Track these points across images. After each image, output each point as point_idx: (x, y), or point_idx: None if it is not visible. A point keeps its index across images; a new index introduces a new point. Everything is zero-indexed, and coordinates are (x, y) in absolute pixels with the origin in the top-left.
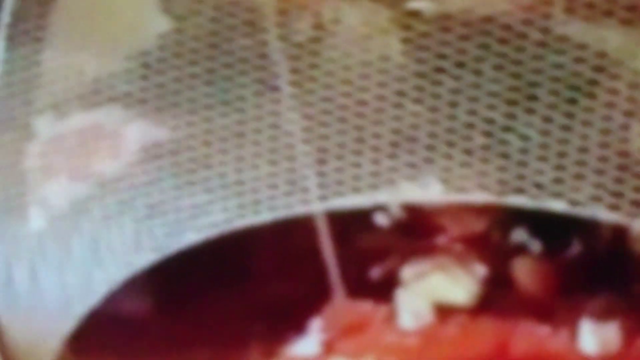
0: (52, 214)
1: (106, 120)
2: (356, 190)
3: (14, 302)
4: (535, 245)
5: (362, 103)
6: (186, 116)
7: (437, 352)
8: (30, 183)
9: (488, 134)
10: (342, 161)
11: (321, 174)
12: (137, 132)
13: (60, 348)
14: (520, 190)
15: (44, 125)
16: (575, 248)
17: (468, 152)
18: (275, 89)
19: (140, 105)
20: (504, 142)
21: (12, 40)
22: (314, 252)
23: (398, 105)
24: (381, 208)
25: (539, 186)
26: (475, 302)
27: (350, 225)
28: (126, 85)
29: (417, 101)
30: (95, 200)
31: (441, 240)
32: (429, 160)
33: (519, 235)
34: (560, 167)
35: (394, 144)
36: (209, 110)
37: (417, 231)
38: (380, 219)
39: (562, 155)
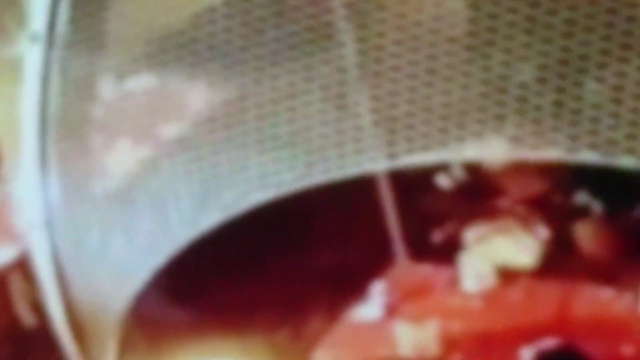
0: (118, 177)
1: (171, 79)
2: (423, 148)
3: (82, 264)
4: (598, 207)
5: (431, 58)
6: (253, 74)
7: (500, 315)
8: (95, 146)
9: (560, 90)
10: (410, 119)
11: (389, 132)
12: (202, 92)
13: (125, 308)
14: (592, 147)
15: (108, 87)
16: (638, 210)
17: (538, 108)
18: (341, 44)
19: (206, 64)
20: (576, 98)
21: None
22: (376, 216)
23: (468, 62)
24: (444, 170)
25: (611, 142)
26: (538, 265)
27: (413, 187)
28: (192, 43)
29: (487, 57)
30: (161, 162)
31: (503, 202)
32: (498, 118)
33: (582, 197)
34: (633, 123)
35: (464, 101)
36: (276, 68)
37: (480, 193)
38: (443, 181)
39: (635, 111)
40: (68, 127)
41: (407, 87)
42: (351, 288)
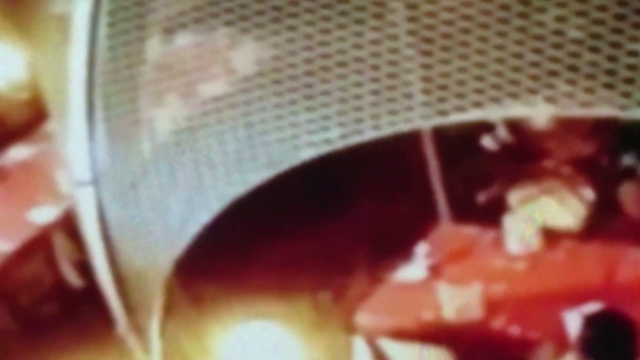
0: (165, 133)
1: (220, 34)
2: (475, 105)
3: (129, 222)
4: None
5: (485, 12)
6: (303, 28)
7: (544, 277)
8: (142, 103)
9: (615, 45)
10: (462, 74)
11: (440, 88)
12: (251, 47)
13: (171, 267)
14: None
15: (156, 43)
16: None
17: (592, 64)
18: (381, 3)
19: (256, 17)
20: (632, 53)
21: None
22: (421, 176)
23: (522, 16)
24: (489, 131)
25: None
26: (582, 227)
27: (458, 148)
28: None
29: (542, 11)
30: (209, 118)
31: (549, 163)
32: (551, 74)
33: (628, 159)
34: None
35: (518, 56)
36: (327, 22)
37: (525, 154)
38: (488, 142)
39: None
40: (115, 84)
41: (459, 42)
42: (395, 249)
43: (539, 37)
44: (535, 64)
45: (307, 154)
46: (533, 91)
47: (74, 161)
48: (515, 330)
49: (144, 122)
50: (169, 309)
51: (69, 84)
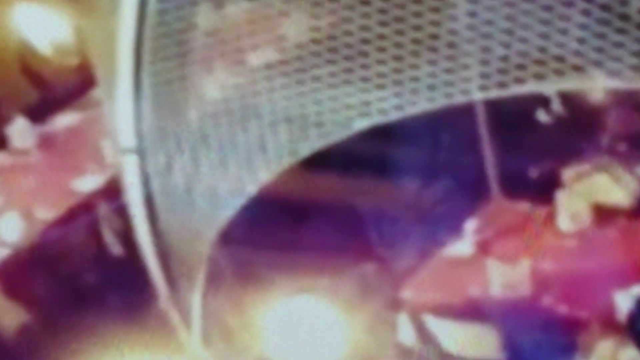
0: (213, 102)
1: (270, 2)
2: (528, 79)
3: (173, 192)
4: None
5: None
6: None
7: (595, 255)
8: (190, 71)
9: None
10: (525, 45)
11: (501, 60)
12: (304, 15)
13: (215, 238)
14: None
15: (205, 10)
16: None
17: None
18: None
19: None
20: None
21: None
22: (473, 150)
23: None
24: (543, 104)
25: None
26: (636, 205)
27: (511, 122)
28: None
29: None
30: (259, 86)
31: (603, 139)
32: (598, 50)
33: None
34: None
35: (563, 32)
36: None
37: (579, 129)
38: (542, 116)
39: None
40: (164, 50)
41: (521, 11)
42: (444, 223)
43: (605, 7)
44: (600, 36)
45: (360, 124)
46: (598, 63)
47: (120, 128)
48: (563, 309)
49: (192, 89)
50: (212, 283)
51: (117, 50)
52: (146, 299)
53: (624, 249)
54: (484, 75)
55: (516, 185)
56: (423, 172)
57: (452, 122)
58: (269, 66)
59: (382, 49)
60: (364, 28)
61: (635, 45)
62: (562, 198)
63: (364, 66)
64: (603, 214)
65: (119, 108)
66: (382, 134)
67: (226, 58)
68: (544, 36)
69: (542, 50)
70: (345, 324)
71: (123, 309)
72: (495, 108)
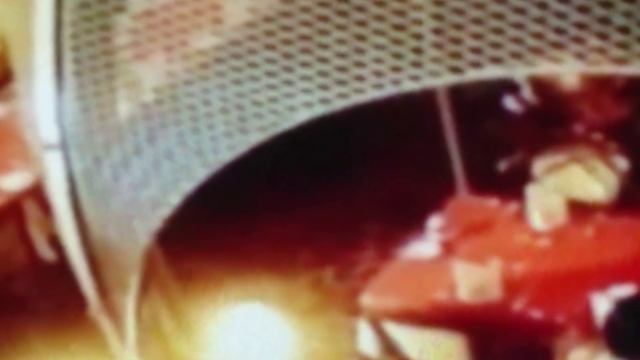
0: (144, 92)
1: None
2: (493, 61)
3: (102, 191)
4: None
5: None
6: None
7: (570, 255)
8: (119, 59)
9: None
10: (478, 27)
11: (453, 42)
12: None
13: (151, 240)
14: None
15: None
16: None
17: (627, 15)
18: None
19: None
20: None
21: None
22: (435, 141)
23: None
24: (512, 91)
25: None
26: (614, 200)
27: (477, 110)
28: None
29: None
30: (194, 74)
31: (578, 128)
32: (580, 26)
33: None
34: None
35: (541, 6)
36: None
37: (552, 118)
38: (511, 104)
39: None
40: (87, 34)
41: None
42: (405, 222)
43: None
44: (561, 15)
45: (303, 115)
46: (559, 46)
47: (41, 121)
48: (537, 313)
49: (120, 78)
50: (148, 288)
51: (35, 35)
52: (81, 308)
53: (602, 248)
54: (436, 60)
55: (483, 180)
56: (382, 165)
57: (410, 111)
58: (203, 52)
59: (324, 32)
60: (305, 9)
61: (600, 26)
62: (534, 193)
63: (305, 51)
64: (579, 210)
65: (39, 99)
66: (334, 127)
67: (157, 43)
68: (499, 16)
69: (498, 31)
70: (299, 332)
71: (54, 320)
72: (459, 95)
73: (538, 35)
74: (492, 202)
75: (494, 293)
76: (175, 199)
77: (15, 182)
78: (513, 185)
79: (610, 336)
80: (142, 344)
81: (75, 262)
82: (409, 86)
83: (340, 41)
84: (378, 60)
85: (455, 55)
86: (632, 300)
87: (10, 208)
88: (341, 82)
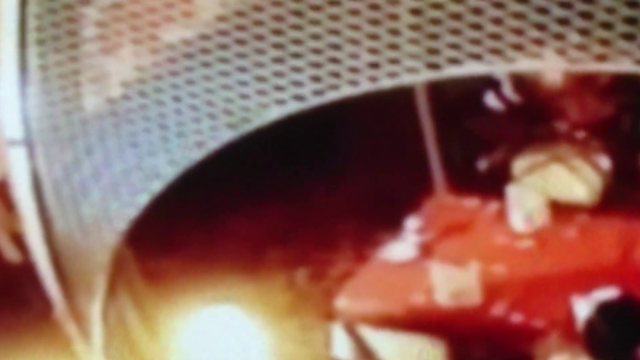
0: (112, 87)
1: None
2: (472, 57)
3: (68, 189)
4: None
5: None
6: None
7: (552, 258)
8: (86, 53)
9: None
10: (457, 22)
11: (431, 37)
12: None
13: (118, 240)
14: None
15: None
16: None
17: (609, 11)
18: None
19: None
20: None
21: None
22: (413, 139)
23: None
24: (493, 88)
25: None
26: (597, 201)
27: (457, 108)
28: None
29: None
30: (163, 70)
31: (561, 126)
32: (561, 22)
33: None
34: None
35: (499, 6)
36: None
37: (533, 116)
38: (491, 101)
39: None
40: (53, 27)
41: None
42: (382, 222)
43: None
44: (541, 10)
45: (275, 112)
46: (539, 42)
47: (4, 117)
48: (517, 318)
49: (86, 72)
50: (115, 289)
51: None
52: (46, 309)
53: (584, 250)
54: (413, 56)
55: (462, 179)
56: (359, 163)
57: (387, 108)
58: (171, 46)
59: (297, 27)
60: (277, 3)
61: (582, 22)
62: (514, 193)
63: (278, 46)
64: (561, 211)
65: (3, 94)
66: (308, 124)
67: (125, 36)
68: (478, 11)
69: (477, 26)
70: (272, 335)
71: (19, 322)
72: (438, 92)
73: (518, 31)
74: (472, 203)
75: (473, 296)
76: (143, 199)
77: None
78: (493, 185)
79: (590, 341)
80: (108, 347)
81: (39, 262)
82: (385, 83)
83: (314, 36)
84: (354, 56)
85: (433, 52)
86: (613, 304)
87: None
88: (315, 79)
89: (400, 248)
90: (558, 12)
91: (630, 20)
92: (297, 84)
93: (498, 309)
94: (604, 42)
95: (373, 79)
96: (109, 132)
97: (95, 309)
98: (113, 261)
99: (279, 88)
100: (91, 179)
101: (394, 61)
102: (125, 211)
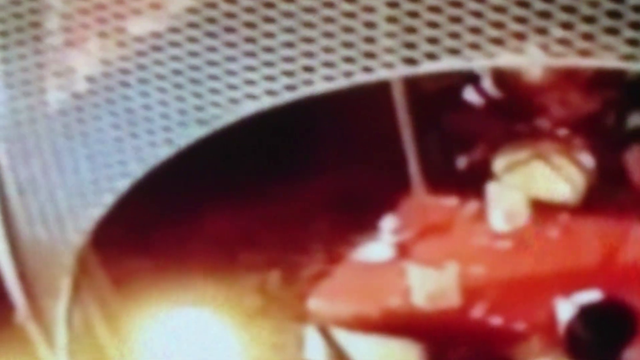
0: (77, 82)
1: None
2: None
3: (31, 188)
4: None
5: None
6: None
7: (533, 259)
8: (49, 45)
9: None
10: (434, 15)
11: (408, 31)
12: None
13: (84, 241)
14: None
15: None
16: None
17: (593, 4)
18: None
19: None
20: None
21: None
22: (390, 136)
23: None
24: (473, 83)
25: None
26: (580, 200)
27: (435, 103)
28: None
29: None
30: (130, 63)
31: (543, 123)
32: (543, 16)
33: (636, 119)
34: None
35: (457, 4)
36: None
37: (514, 112)
38: (471, 97)
39: None
40: (15, 19)
41: None
42: (357, 221)
43: None
44: (523, 4)
45: (247, 108)
46: (521, 36)
47: None
48: (497, 321)
49: (50, 66)
50: (80, 292)
51: None
52: (5, 313)
53: (567, 251)
54: (390, 50)
55: (441, 177)
56: (334, 160)
57: (363, 103)
58: (139, 39)
59: (270, 20)
60: None
61: (564, 16)
62: (495, 192)
63: (249, 39)
64: (542, 210)
65: None
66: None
67: (91, 29)
68: (457, 4)
69: (456, 20)
70: (243, 339)
71: None
72: (415, 87)
73: (498, 25)
74: (450, 202)
75: (452, 299)
76: (109, 197)
77: None
78: (472, 184)
79: (572, 344)
80: (73, 351)
81: (1, 263)
82: (361, 78)
83: (287, 29)
84: (328, 50)
85: (410, 46)
86: (596, 307)
87: None
88: (288, 73)
89: (376, 248)
90: (540, 5)
91: (614, 14)
92: (270, 78)
93: (477, 312)
94: (588, 37)
95: (348, 74)
96: (74, 129)
97: (59, 312)
98: (78, 262)
99: (250, 83)
100: (56, 177)
101: (369, 55)
102: (91, 210)
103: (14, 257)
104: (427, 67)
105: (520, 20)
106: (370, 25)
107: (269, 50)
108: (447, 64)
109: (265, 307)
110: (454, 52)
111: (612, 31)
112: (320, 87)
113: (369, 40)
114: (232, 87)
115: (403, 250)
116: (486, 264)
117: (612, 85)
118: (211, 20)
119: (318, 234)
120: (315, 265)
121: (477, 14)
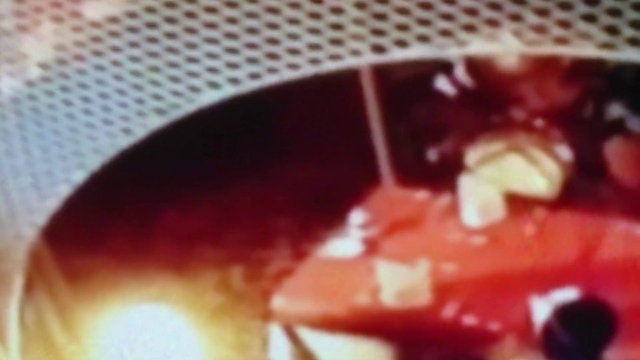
0: (30, 68)
1: None
2: (420, 39)
3: None
4: (635, 124)
5: None
6: None
7: (508, 255)
8: (2, 35)
9: None
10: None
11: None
12: None
13: (37, 236)
14: (635, 42)
15: None
16: None
17: None
18: None
19: None
20: None
21: None
22: (358, 126)
23: None
24: (444, 71)
25: None
26: (557, 194)
27: (405, 93)
28: None
29: None
30: (87, 49)
31: (518, 113)
32: (517, 1)
33: (616, 110)
34: None
35: None
36: None
37: (488, 102)
38: (443, 86)
39: None
40: None
41: None
42: (323, 216)
43: None
44: None
45: (208, 97)
46: (494, 23)
47: None
48: (470, 320)
49: (1, 51)
50: (33, 289)
51: None
52: None
53: (543, 247)
54: (358, 37)
55: (411, 169)
56: (299, 152)
57: (329, 92)
58: (95, 24)
59: (233, 4)
60: None
61: (538, 1)
62: (468, 185)
63: (211, 25)
64: (517, 205)
65: None
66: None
67: (44, 12)
68: None
69: (427, 6)
70: (204, 337)
71: None
72: (384, 76)
73: (471, 11)
74: (421, 195)
75: (423, 297)
76: (64, 190)
77: None
78: (444, 177)
79: (549, 345)
80: (26, 351)
81: None
82: (328, 66)
83: (251, 14)
84: (293, 37)
85: (379, 33)
86: (573, 306)
87: None
88: (252, 61)
89: (344, 244)
90: None
91: (591, 1)
92: (233, 66)
93: (449, 311)
94: (564, 24)
95: (314, 62)
96: (28, 117)
97: (11, 310)
98: (31, 258)
99: (212, 70)
100: (7, 167)
101: (336, 42)
102: (45, 203)
103: None
104: (396, 55)
105: (494, 6)
106: (337, 11)
107: (231, 36)
108: (417, 51)
109: (227, 304)
110: (424, 39)
111: (590, 18)
112: (285, 75)
113: (337, 26)
114: (193, 74)
115: (372, 246)
116: (459, 261)
117: (590, 74)
118: (171, 5)
119: (283, 229)
120: (280, 261)
121: (449, 0)
